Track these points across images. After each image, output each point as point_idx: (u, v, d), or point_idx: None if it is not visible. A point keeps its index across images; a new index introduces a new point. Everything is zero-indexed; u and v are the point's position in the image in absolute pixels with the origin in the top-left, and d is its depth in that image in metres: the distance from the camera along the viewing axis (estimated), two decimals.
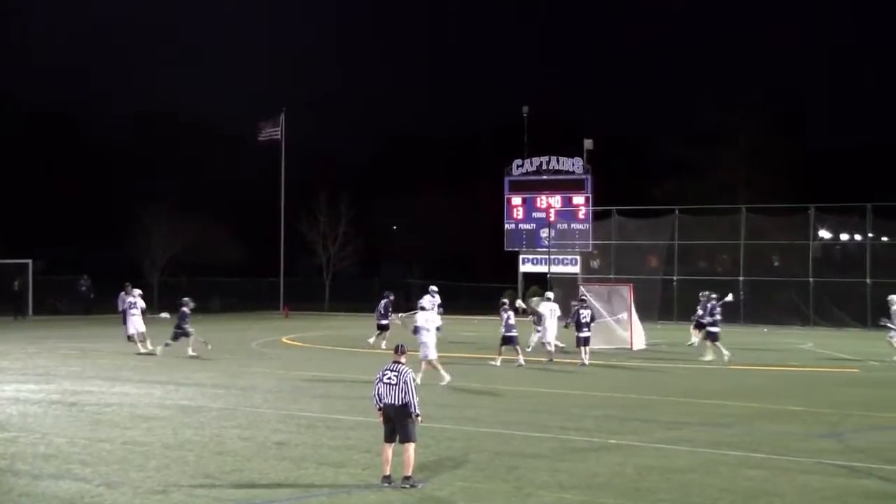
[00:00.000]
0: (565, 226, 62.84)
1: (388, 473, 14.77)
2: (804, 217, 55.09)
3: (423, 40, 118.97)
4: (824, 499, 14.38)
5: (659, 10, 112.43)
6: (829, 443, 18.93)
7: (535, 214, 64.06)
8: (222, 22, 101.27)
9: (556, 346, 34.35)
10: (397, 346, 15.85)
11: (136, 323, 36.28)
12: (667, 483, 15.12)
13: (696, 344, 38.26)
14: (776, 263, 59.02)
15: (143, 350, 35.23)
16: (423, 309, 29.02)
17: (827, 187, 63.40)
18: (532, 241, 64.16)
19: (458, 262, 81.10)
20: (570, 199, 63.04)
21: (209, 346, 34.66)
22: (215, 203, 78.25)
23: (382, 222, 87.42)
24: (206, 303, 67.35)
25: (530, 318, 37.31)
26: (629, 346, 37.99)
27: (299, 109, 74.89)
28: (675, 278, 56.09)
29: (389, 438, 14.91)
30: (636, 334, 38.81)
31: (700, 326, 39.32)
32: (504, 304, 33.12)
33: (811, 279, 53.84)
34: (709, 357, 34.28)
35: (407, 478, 14.67)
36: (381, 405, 14.97)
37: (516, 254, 64.73)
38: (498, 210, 66.46)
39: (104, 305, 55.12)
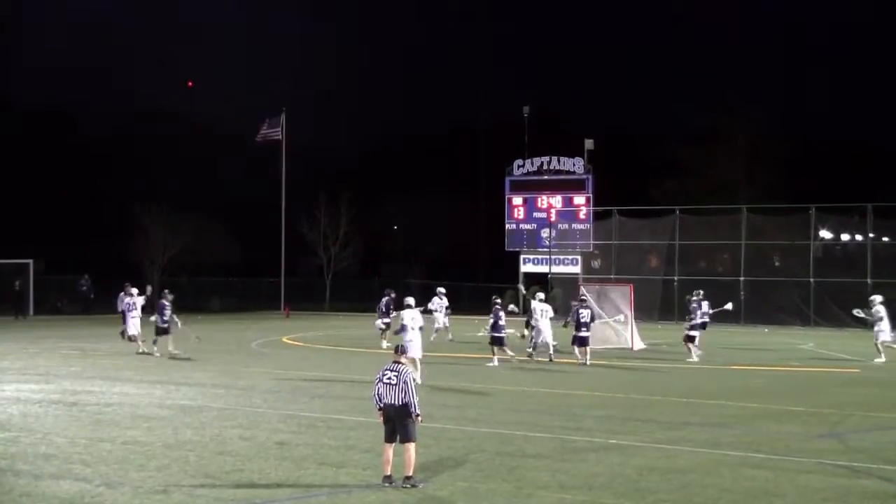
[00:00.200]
0: (566, 226, 62.85)
1: (388, 473, 14.76)
2: (805, 217, 55.07)
3: (423, 39, 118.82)
4: (825, 499, 14.38)
5: (659, 10, 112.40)
6: (830, 443, 18.93)
7: (536, 214, 64.07)
8: (222, 21, 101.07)
9: (547, 343, 34.34)
10: (397, 347, 15.87)
11: (136, 324, 36.39)
12: (667, 483, 15.12)
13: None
14: (777, 263, 59.02)
15: (142, 349, 35.25)
16: (409, 307, 28.98)
17: (827, 187, 63.38)
18: (533, 241, 64.17)
19: (459, 262, 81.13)
20: (570, 200, 63.04)
21: (198, 339, 34.74)
22: (215, 203, 78.22)
23: (383, 222, 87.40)
24: (206, 303, 67.58)
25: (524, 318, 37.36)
26: (629, 347, 38.02)
27: (299, 109, 74.93)
28: (675, 278, 56.06)
29: (390, 438, 14.90)
30: (630, 334, 38.89)
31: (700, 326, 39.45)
32: (497, 303, 33.27)
33: (812, 279, 53.84)
34: (694, 357, 34.39)
35: (408, 478, 14.66)
36: (382, 405, 14.96)
37: (517, 254, 64.74)
38: (498, 210, 66.47)
39: (104, 305, 55.15)
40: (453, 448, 17.67)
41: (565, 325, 34.65)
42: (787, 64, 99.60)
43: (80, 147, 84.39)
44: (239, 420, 20.68)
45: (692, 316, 35.18)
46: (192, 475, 15.54)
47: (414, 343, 27.65)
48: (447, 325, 42.26)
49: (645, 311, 49.91)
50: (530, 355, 33.82)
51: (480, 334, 36.22)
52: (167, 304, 34.86)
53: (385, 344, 36.56)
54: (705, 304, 40.36)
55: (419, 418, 14.95)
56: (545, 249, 62.41)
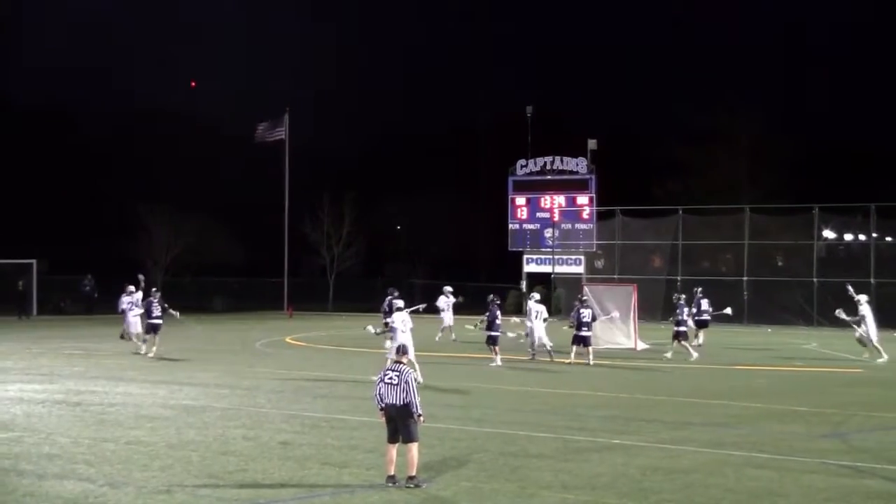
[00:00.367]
0: (569, 226, 62.84)
1: (392, 473, 14.76)
2: (808, 217, 55.05)
3: (423, 39, 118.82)
4: (828, 499, 14.37)
5: (659, 10, 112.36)
6: (834, 443, 18.91)
7: (539, 214, 64.07)
8: (222, 21, 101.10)
9: (543, 344, 34.33)
10: (399, 347, 15.87)
11: (136, 323, 36.54)
12: (671, 483, 15.11)
13: (700, 342, 38.38)
14: (780, 263, 59.00)
15: (142, 349, 35.31)
16: (399, 309, 28.93)
17: (830, 187, 63.39)
18: (536, 241, 64.16)
19: (462, 262, 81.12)
20: (574, 199, 63.05)
21: (199, 323, 34.99)
22: (216, 203, 78.28)
23: (385, 222, 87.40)
24: (208, 303, 67.65)
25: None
26: (632, 347, 38.02)
27: (299, 109, 74.99)
28: (679, 278, 56.03)
29: (392, 439, 14.89)
30: (632, 334, 38.90)
31: (699, 325, 39.53)
32: (495, 301, 33.38)
33: (815, 279, 53.81)
34: (694, 356, 34.47)
35: (411, 478, 14.66)
36: (383, 405, 14.96)
37: (520, 254, 64.74)
38: (502, 210, 66.47)
39: (108, 305, 55.19)
40: (457, 448, 17.66)
41: (571, 326, 34.63)
42: (786, 64, 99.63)
43: (80, 147, 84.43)
44: (242, 420, 20.68)
45: (678, 314, 35.30)
46: (195, 475, 15.54)
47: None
48: (452, 323, 42.31)
49: (648, 311, 49.92)
50: (533, 356, 33.86)
51: (469, 328, 36.19)
52: (155, 301, 35.03)
53: (388, 344, 36.51)
54: (705, 302, 40.44)
55: (421, 418, 14.93)
56: (548, 249, 62.40)
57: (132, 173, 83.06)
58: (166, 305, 35.44)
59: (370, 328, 29.86)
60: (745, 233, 56.17)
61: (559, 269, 61.83)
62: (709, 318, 40.42)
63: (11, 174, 77.98)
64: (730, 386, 28.08)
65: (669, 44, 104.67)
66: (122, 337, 37.61)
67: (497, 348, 32.72)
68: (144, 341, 35.53)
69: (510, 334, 34.58)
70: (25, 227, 73.81)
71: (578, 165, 63.26)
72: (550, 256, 62.26)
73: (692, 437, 19.16)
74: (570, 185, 63.43)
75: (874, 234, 55.25)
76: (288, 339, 42.96)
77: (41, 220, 77.77)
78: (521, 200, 64.84)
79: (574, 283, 55.35)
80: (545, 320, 34.78)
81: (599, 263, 61.70)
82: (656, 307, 53.31)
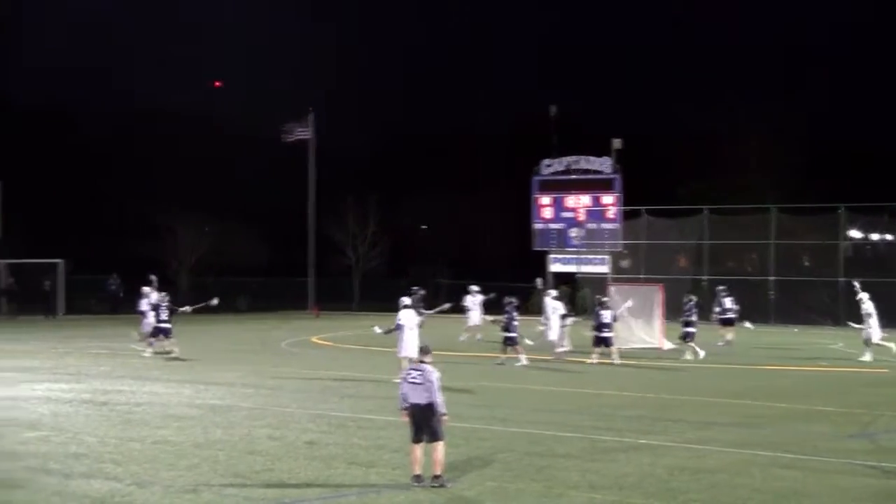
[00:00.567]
0: (594, 225, 62.66)
1: (418, 473, 14.77)
2: (834, 217, 54.80)
3: (423, 39, 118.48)
4: (855, 499, 14.32)
5: (659, 10, 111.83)
6: (860, 443, 18.84)
7: (563, 214, 63.90)
8: (222, 20, 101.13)
9: (558, 344, 34.37)
10: (422, 347, 15.86)
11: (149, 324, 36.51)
12: (697, 483, 15.09)
13: (730, 341, 38.59)
14: (806, 263, 58.73)
15: (147, 353, 35.13)
16: (405, 307, 28.86)
17: (857, 186, 63.00)
18: (561, 240, 64.03)
19: (487, 261, 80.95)
20: (599, 199, 62.87)
21: (216, 303, 35.30)
22: (242, 204, 78.38)
23: (409, 222, 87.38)
24: (233, 303, 67.77)
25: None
26: (658, 346, 37.99)
27: (326, 108, 75.11)
28: (704, 278, 55.86)
29: (416, 438, 14.90)
30: (658, 334, 38.90)
31: (725, 323, 39.60)
32: (512, 303, 33.45)
33: (842, 279, 53.53)
34: (688, 356, 34.42)
35: (437, 477, 14.67)
36: (407, 405, 14.96)
37: (544, 253, 64.63)
38: (526, 210, 66.37)
39: (133, 305, 55.31)
40: (482, 448, 17.67)
41: (593, 329, 34.61)
42: (816, 62, 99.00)
43: (111, 147, 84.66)
44: (268, 420, 20.74)
45: (687, 314, 35.33)
46: (221, 474, 15.60)
47: (409, 342, 27.26)
48: (479, 323, 42.33)
49: (675, 311, 49.71)
50: (557, 356, 33.85)
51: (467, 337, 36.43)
52: (164, 304, 34.95)
53: (377, 328, 36.50)
54: (728, 301, 40.45)
55: (445, 418, 14.93)
56: (573, 249, 62.32)
57: (160, 174, 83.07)
58: (176, 308, 35.24)
59: (376, 328, 29.84)
60: (772, 232, 55.91)
61: (584, 268, 61.72)
62: (734, 315, 40.36)
63: (8, 174, 78.09)
64: (755, 386, 28.01)
65: (695, 43, 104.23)
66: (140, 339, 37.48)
67: (519, 347, 32.77)
68: (150, 343, 35.38)
69: (528, 341, 34.66)
70: (52, 226, 74.04)
71: (603, 165, 63.09)
72: (575, 256, 62.16)
73: (718, 436, 19.12)
74: (596, 185, 63.23)
75: None
76: (314, 339, 43.05)
77: (68, 219, 77.94)
78: (546, 200, 64.67)
79: (599, 282, 55.16)
80: (563, 317, 34.83)
81: (625, 263, 61.55)
82: (682, 307, 53.08)
